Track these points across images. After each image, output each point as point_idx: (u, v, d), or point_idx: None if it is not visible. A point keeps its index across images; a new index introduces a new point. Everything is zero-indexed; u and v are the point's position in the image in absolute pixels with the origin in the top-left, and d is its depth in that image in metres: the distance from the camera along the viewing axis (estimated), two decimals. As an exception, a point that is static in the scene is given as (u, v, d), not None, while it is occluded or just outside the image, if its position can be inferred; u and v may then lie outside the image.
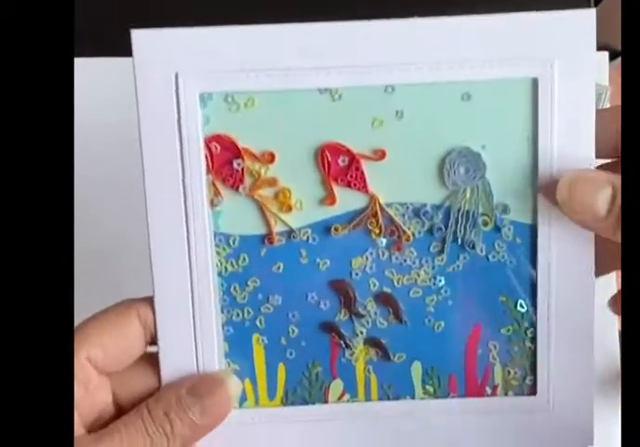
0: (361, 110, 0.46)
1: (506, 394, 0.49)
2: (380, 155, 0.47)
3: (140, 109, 0.46)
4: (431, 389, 0.50)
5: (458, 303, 0.48)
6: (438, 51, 0.46)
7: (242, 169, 0.47)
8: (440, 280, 0.48)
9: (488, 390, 0.50)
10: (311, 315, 0.49)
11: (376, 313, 0.49)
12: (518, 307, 0.49)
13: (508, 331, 0.49)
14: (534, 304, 0.48)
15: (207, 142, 0.47)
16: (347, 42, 0.46)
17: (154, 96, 0.47)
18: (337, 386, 0.50)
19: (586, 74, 0.45)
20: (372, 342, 0.49)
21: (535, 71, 0.45)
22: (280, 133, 0.47)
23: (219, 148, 0.47)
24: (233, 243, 0.48)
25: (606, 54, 0.55)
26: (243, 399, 0.50)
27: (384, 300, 0.49)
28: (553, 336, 0.48)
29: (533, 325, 0.48)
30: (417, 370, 0.49)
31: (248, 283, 0.48)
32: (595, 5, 0.59)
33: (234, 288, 0.49)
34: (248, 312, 0.49)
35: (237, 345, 0.49)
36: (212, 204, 0.47)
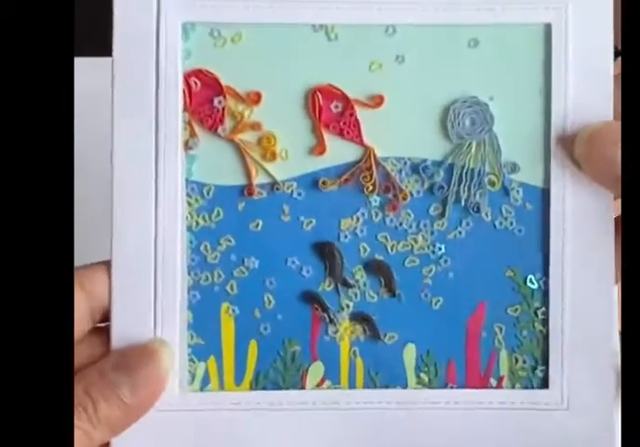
0: (359, 51, 0.42)
1: (513, 387, 0.42)
2: (377, 101, 0.42)
3: (115, 37, 0.42)
4: (425, 378, 0.43)
5: (459, 275, 0.42)
6: None
7: (223, 109, 0.43)
8: (440, 248, 0.42)
9: (493, 382, 0.42)
10: (291, 282, 0.43)
11: (365, 283, 0.43)
12: (528, 283, 0.43)
13: (516, 311, 0.42)
14: (546, 280, 0.42)
15: (187, 77, 0.42)
16: None
17: (132, 24, 0.42)
18: (316, 369, 0.43)
19: (602, 19, 0.42)
20: (360, 317, 0.43)
21: (548, 15, 0.42)
22: (268, 72, 0.42)
23: (199, 84, 0.43)
24: (208, 194, 0.43)
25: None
26: (206, 381, 0.42)
27: (376, 268, 0.43)
28: (568, 318, 0.42)
29: (545, 304, 0.42)
30: (410, 353, 0.43)
31: (221, 241, 0.43)
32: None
33: (205, 246, 0.43)
34: (219, 275, 0.43)
35: (203, 314, 0.42)
36: (186, 146, 0.42)
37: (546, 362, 0.43)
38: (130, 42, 0.42)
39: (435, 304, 0.43)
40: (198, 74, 0.43)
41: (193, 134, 0.43)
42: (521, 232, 0.43)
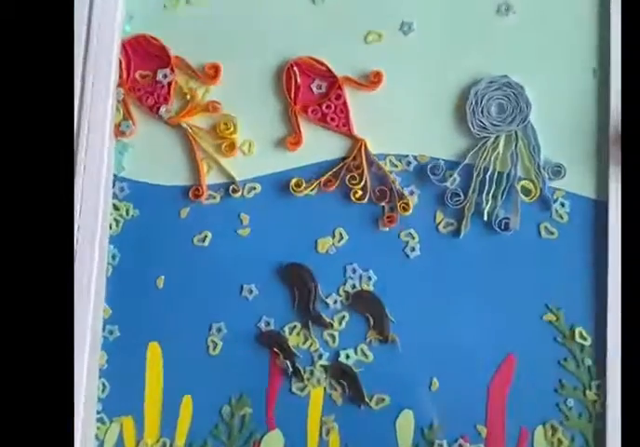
0: (352, 17, 0.40)
1: None
2: (373, 79, 0.40)
3: None
4: None
5: (477, 315, 0.39)
6: None
7: (169, 85, 0.40)
8: (452, 277, 0.39)
9: None
10: (244, 318, 0.39)
11: (347, 321, 0.39)
12: (577, 338, 0.38)
13: (560, 367, 0.38)
14: (601, 330, 0.38)
15: (125, 45, 0.41)
16: None
17: None
18: (273, 440, 0.39)
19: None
20: (338, 370, 0.38)
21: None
22: (230, 42, 0.41)
23: (140, 53, 0.41)
24: (140, 196, 0.40)
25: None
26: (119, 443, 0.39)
27: (361, 301, 0.39)
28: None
29: (600, 362, 0.38)
30: (406, 423, 0.38)
31: (155, 259, 0.40)
32: None
33: (132, 265, 0.40)
34: (148, 306, 0.39)
35: (122, 357, 0.39)
36: (117, 131, 0.40)
37: (603, 443, 0.37)
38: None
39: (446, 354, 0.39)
40: (141, 41, 0.41)
41: (127, 116, 0.41)
42: (568, 260, 0.38)
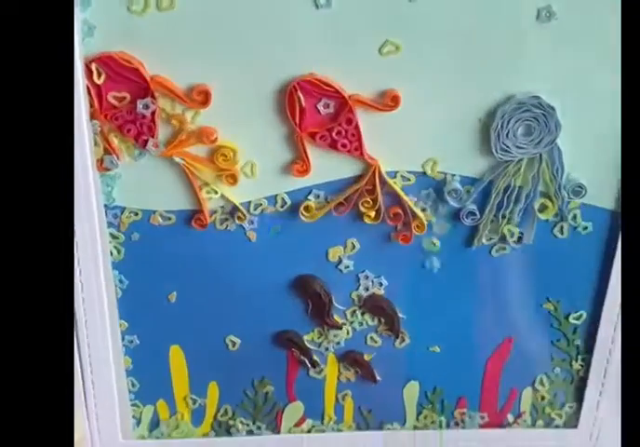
0: (364, 25, 0.35)
1: (534, 424, 0.45)
2: (389, 101, 0.36)
3: None
4: (430, 415, 0.45)
5: (483, 309, 0.42)
6: None
7: (152, 115, 0.36)
8: (461, 280, 0.41)
9: (510, 418, 0.44)
10: (260, 323, 0.42)
11: (361, 323, 0.42)
12: (571, 319, 0.42)
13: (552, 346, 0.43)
14: (595, 316, 0.42)
15: (88, 65, 0.35)
16: None
17: None
18: (294, 409, 0.44)
19: None
20: (351, 358, 0.42)
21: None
22: (219, 57, 0.35)
23: (109, 76, 0.35)
24: (139, 223, 0.39)
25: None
26: (154, 424, 0.44)
27: (373, 306, 0.41)
28: (616, 361, 0.42)
29: (588, 343, 0.42)
30: (412, 391, 0.43)
31: (161, 278, 0.40)
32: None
33: (139, 284, 0.40)
34: (163, 317, 0.41)
35: (145, 359, 0.42)
36: (100, 167, 0.37)
37: (579, 400, 0.44)
38: None
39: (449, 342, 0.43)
40: (107, 60, 0.35)
41: (108, 150, 0.37)
42: (572, 260, 0.40)
